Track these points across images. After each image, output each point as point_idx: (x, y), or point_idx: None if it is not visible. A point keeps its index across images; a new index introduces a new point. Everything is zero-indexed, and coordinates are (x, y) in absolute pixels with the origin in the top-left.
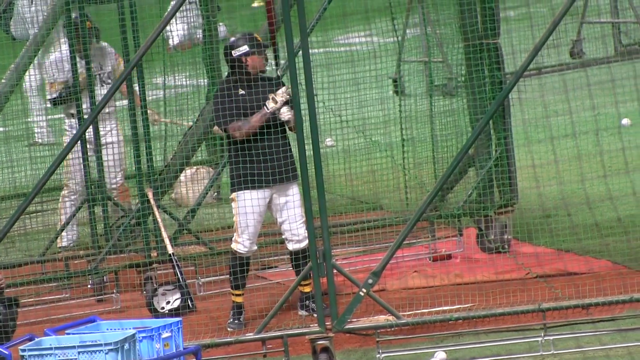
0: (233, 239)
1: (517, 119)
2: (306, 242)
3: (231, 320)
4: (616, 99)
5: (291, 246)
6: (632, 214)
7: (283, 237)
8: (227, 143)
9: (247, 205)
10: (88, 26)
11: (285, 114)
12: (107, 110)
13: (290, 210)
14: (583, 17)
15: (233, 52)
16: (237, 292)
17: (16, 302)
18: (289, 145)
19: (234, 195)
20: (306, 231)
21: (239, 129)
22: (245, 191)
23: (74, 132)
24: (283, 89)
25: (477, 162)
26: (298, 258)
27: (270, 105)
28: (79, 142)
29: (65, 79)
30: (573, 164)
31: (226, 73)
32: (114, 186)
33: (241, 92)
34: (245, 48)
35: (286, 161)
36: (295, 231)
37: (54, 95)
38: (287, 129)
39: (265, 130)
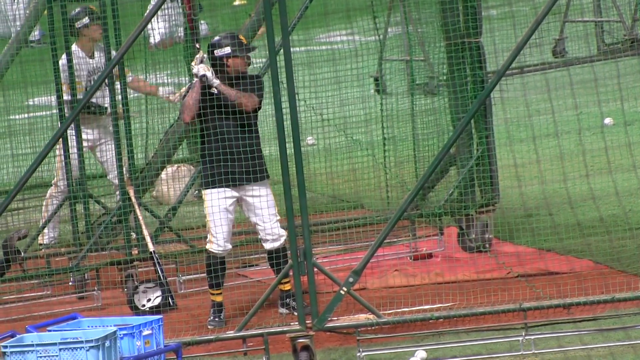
0: (207, 239)
1: (499, 118)
2: (282, 240)
3: (212, 318)
4: (599, 98)
5: (267, 245)
6: (614, 213)
7: (259, 237)
8: (200, 142)
9: (215, 204)
10: (92, 8)
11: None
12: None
13: (263, 210)
14: (566, 15)
15: (215, 51)
16: (215, 291)
17: None
18: (258, 145)
19: (203, 193)
20: (281, 229)
21: (182, 112)
22: (212, 190)
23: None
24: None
25: (459, 161)
26: (275, 257)
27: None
28: (61, 140)
29: (85, 80)
30: (555, 163)
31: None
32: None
33: (214, 90)
34: (228, 49)
35: (254, 162)
36: (269, 230)
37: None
38: (250, 117)
39: (232, 129)
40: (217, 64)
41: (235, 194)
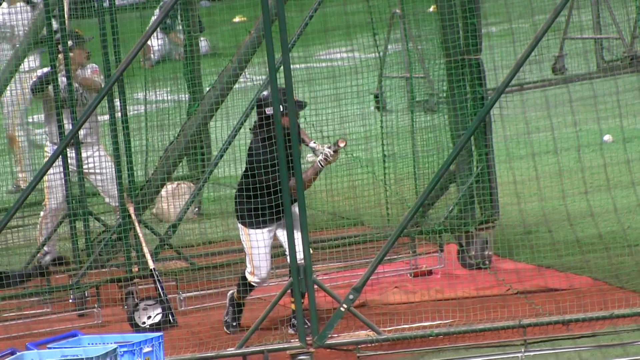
0: (248, 270)
1: (498, 135)
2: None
3: (229, 319)
4: (598, 115)
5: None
6: (613, 230)
7: (283, 250)
8: (243, 175)
9: (260, 244)
10: (80, 33)
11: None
12: (89, 140)
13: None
14: (565, 33)
15: (267, 109)
16: (240, 295)
17: None
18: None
19: (244, 228)
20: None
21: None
22: (257, 230)
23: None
24: (330, 150)
25: (458, 178)
26: None
27: (323, 161)
28: (60, 158)
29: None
30: (554, 180)
31: (254, 124)
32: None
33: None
34: (280, 108)
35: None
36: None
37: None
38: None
39: (277, 168)
40: (263, 122)
41: (275, 226)
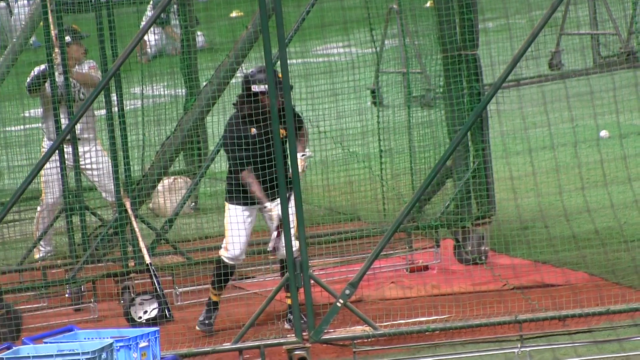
0: (223, 246)
1: (495, 131)
2: (295, 248)
3: (202, 318)
4: (595, 111)
5: (280, 254)
6: (609, 226)
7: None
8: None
9: (238, 217)
10: (74, 28)
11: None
12: (86, 135)
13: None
14: (562, 28)
15: (253, 86)
16: (215, 291)
17: None
18: (286, 159)
19: (226, 203)
20: (295, 241)
21: (246, 183)
22: (236, 205)
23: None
24: (275, 216)
25: (455, 174)
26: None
27: (267, 207)
28: (57, 152)
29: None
30: (551, 176)
31: (235, 101)
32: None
33: (253, 131)
34: (266, 86)
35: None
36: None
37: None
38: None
39: (265, 152)
40: (251, 99)
41: (258, 207)
